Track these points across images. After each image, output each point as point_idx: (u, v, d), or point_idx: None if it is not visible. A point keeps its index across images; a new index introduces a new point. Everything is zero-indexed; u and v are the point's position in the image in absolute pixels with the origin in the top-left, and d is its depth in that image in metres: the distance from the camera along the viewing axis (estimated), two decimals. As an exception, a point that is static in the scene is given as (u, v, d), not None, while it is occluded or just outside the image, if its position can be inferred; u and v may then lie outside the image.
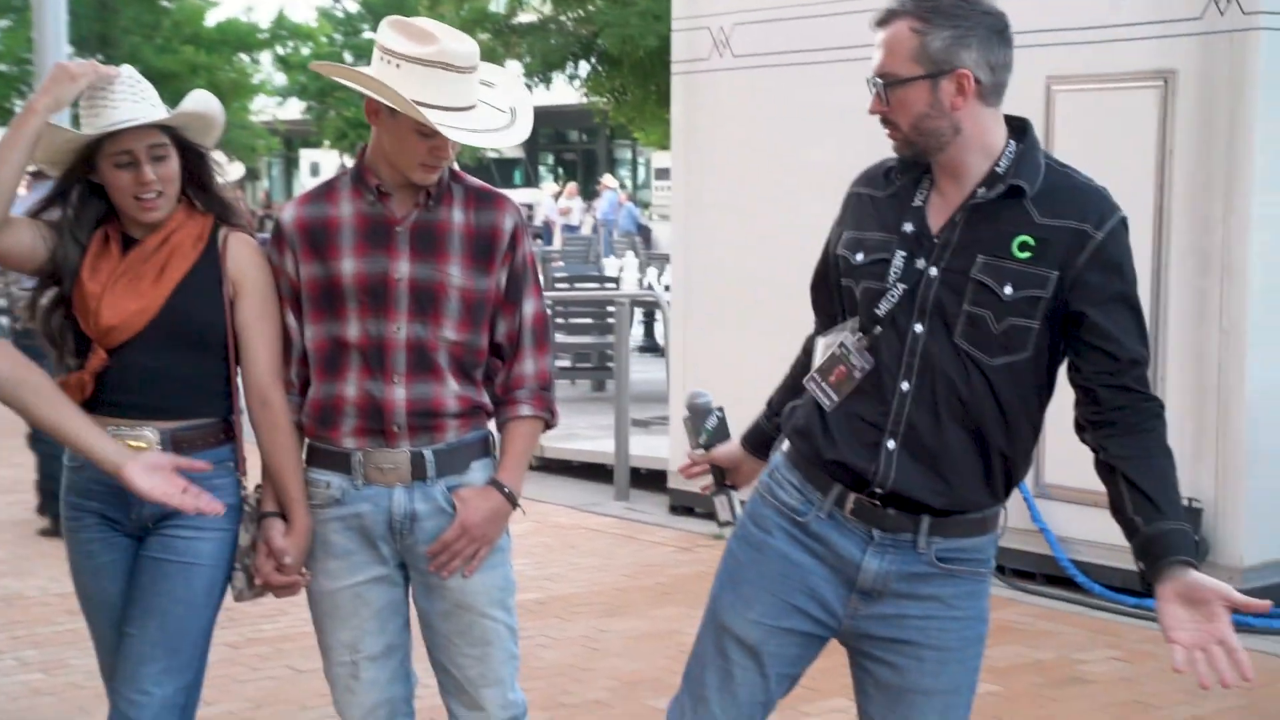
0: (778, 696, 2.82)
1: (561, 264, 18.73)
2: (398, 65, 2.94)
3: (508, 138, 3.07)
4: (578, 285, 16.11)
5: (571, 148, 41.61)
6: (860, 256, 2.72)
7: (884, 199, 2.73)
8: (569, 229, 26.74)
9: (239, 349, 3.12)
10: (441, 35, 2.96)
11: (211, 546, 3.10)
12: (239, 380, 3.15)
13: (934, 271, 2.63)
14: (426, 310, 3.07)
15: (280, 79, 33.06)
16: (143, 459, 2.95)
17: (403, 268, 3.06)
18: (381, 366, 3.06)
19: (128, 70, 3.12)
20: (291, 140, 38.96)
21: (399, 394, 3.06)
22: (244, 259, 3.13)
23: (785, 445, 2.84)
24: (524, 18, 16.70)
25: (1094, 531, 6.75)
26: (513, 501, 3.14)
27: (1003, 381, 2.61)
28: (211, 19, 23.21)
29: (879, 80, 2.62)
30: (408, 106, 2.91)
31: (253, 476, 3.21)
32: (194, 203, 3.17)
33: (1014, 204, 2.61)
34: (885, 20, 2.62)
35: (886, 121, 2.65)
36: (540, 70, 15.78)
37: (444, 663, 3.14)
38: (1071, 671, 5.64)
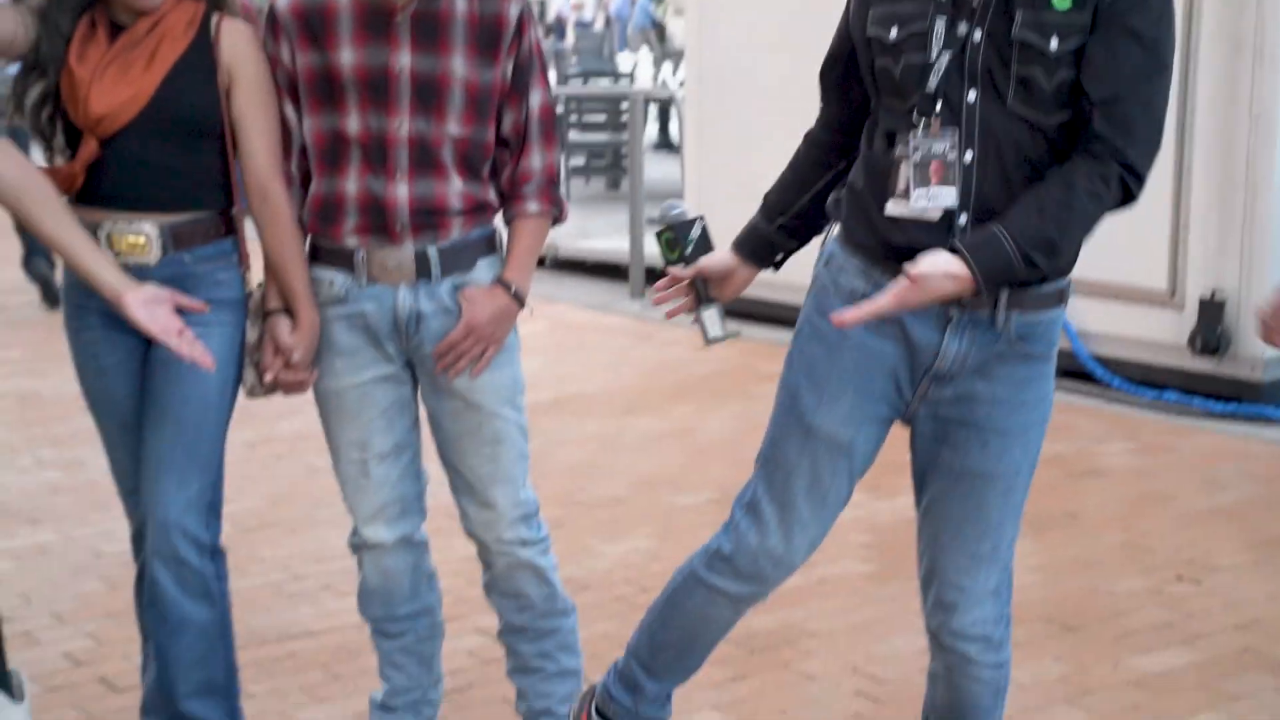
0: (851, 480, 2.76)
1: (575, 60, 18.37)
2: None
3: None
4: (591, 82, 15.84)
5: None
6: (895, 31, 2.57)
7: None
8: (581, 24, 26.24)
9: (236, 141, 3.01)
10: None
11: (219, 345, 3.03)
12: (238, 172, 3.05)
13: (978, 35, 2.51)
14: (429, 104, 2.94)
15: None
16: (143, 291, 2.88)
17: (403, 59, 2.93)
18: (383, 163, 2.95)
19: None
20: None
21: (401, 192, 2.96)
22: (238, 47, 2.99)
23: (838, 234, 2.73)
24: None
25: (1113, 325, 6.70)
26: (520, 300, 3.05)
27: (1063, 136, 2.50)
28: None
29: None
30: None
31: (256, 275, 3.14)
32: None
33: None
34: None
35: None
36: None
37: (454, 462, 3.09)
38: (1089, 464, 5.63)
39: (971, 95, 2.51)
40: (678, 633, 2.81)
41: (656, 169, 11.41)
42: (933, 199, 2.54)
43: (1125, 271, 6.48)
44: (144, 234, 2.97)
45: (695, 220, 2.88)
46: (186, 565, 3.00)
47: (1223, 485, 5.38)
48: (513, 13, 2.96)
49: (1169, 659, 3.89)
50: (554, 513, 4.89)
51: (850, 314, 2.49)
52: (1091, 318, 6.71)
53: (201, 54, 2.97)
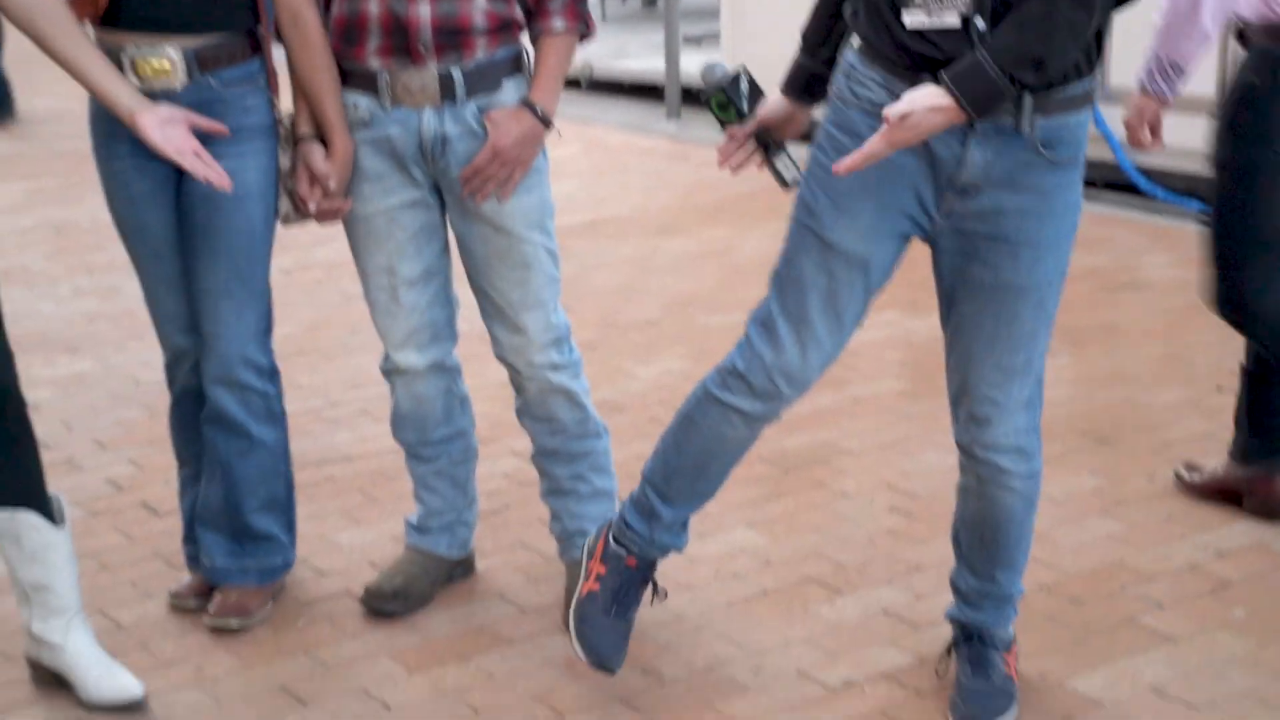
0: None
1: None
2: None
3: None
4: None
5: None
6: None
7: None
8: None
9: None
10: None
11: (256, 175, 3.00)
12: None
13: None
14: None
15: None
16: (159, 111, 2.85)
17: None
18: None
19: None
20: None
21: (424, 11, 2.88)
22: None
23: (857, 44, 2.65)
24: None
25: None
26: (546, 122, 2.99)
27: None
28: None
29: None
30: None
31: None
32: None
33: None
34: None
35: None
36: None
37: (484, 287, 3.07)
38: (1129, 276, 5.56)
39: None
40: (692, 455, 2.79)
41: (692, -14, 11.17)
42: (939, 9, 2.48)
43: (1169, 80, 6.31)
44: (168, 58, 2.92)
45: (739, 75, 2.82)
46: (251, 390, 3.10)
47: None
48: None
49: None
50: (588, 336, 4.90)
51: (846, 163, 2.47)
52: (1134, 128, 6.57)
53: None
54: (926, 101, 2.41)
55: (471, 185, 2.96)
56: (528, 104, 2.97)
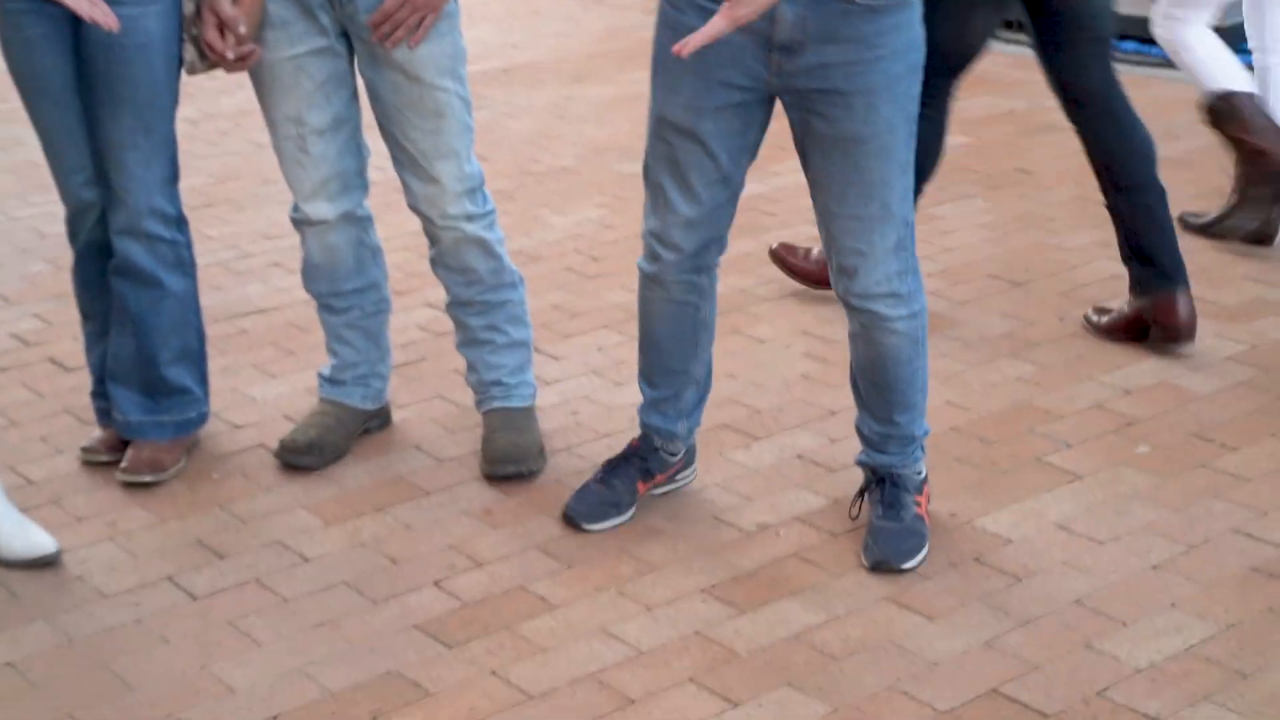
0: (739, 170, 2.76)
1: None
2: None
3: None
4: None
5: None
6: None
7: None
8: None
9: None
10: None
11: (158, 22, 2.92)
12: None
13: None
14: None
15: None
16: None
17: None
18: None
19: None
20: None
21: None
22: None
23: None
24: None
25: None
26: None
27: None
28: None
29: None
30: None
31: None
32: None
33: None
34: None
35: None
36: None
37: (396, 136, 3.01)
38: (1044, 119, 5.55)
39: None
40: (643, 328, 2.97)
41: None
42: None
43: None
44: None
45: None
46: (160, 240, 3.06)
47: (1177, 135, 5.33)
48: None
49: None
50: (504, 185, 4.85)
51: (689, 44, 2.46)
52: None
53: None
54: None
55: (381, 31, 2.89)
56: None
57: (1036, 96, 5.75)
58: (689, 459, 3.09)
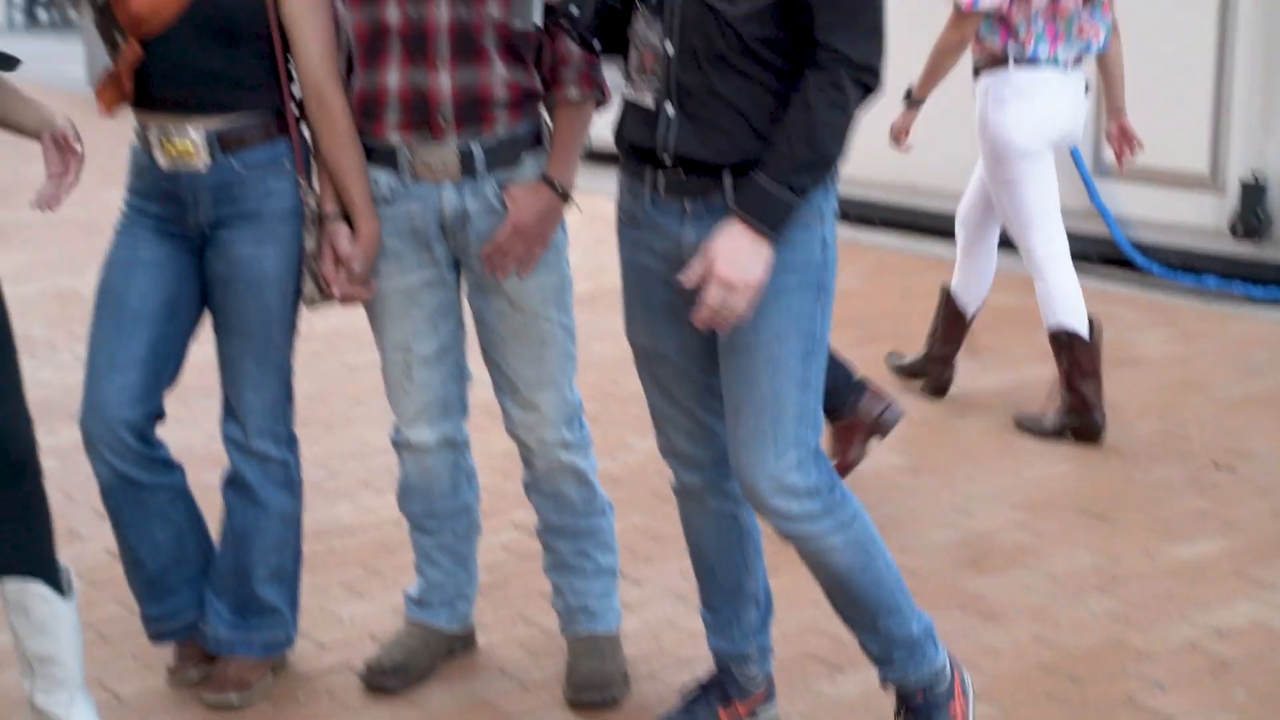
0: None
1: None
2: None
3: None
4: None
5: None
6: None
7: None
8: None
9: (289, 43, 2.98)
10: None
11: (275, 261, 3.03)
12: (291, 71, 3.01)
13: None
14: None
15: None
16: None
17: None
18: (424, 52, 2.91)
19: None
20: None
21: (444, 82, 2.92)
22: None
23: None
24: None
25: (1152, 210, 6.62)
26: (565, 197, 3.03)
27: (751, 30, 2.55)
28: None
29: None
30: None
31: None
32: None
33: None
34: None
35: None
36: None
37: (499, 362, 3.09)
38: (1126, 352, 5.60)
39: None
40: (691, 550, 3.00)
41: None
42: (643, 86, 2.65)
43: (1164, 155, 6.40)
44: (191, 139, 2.96)
45: None
46: (269, 459, 3.15)
47: (1261, 371, 5.36)
48: None
49: (1204, 547, 3.90)
50: (589, 408, 4.85)
51: (689, 279, 2.58)
52: (1129, 203, 6.64)
53: None
54: (729, 241, 2.54)
55: (492, 262, 2.99)
56: (547, 179, 3.00)
57: (1117, 329, 5.82)
58: (770, 691, 3.07)
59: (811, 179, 2.55)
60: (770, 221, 2.54)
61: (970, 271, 5.09)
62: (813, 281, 2.67)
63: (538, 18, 2.67)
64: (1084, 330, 4.73)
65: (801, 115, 2.52)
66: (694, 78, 2.59)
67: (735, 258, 2.53)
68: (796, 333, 2.66)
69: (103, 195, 8.01)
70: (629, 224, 2.79)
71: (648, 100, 2.65)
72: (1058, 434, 4.74)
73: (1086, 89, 4.72)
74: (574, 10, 2.68)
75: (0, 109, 2.92)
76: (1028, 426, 4.81)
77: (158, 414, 3.12)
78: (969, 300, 5.11)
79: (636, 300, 2.82)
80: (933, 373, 5.18)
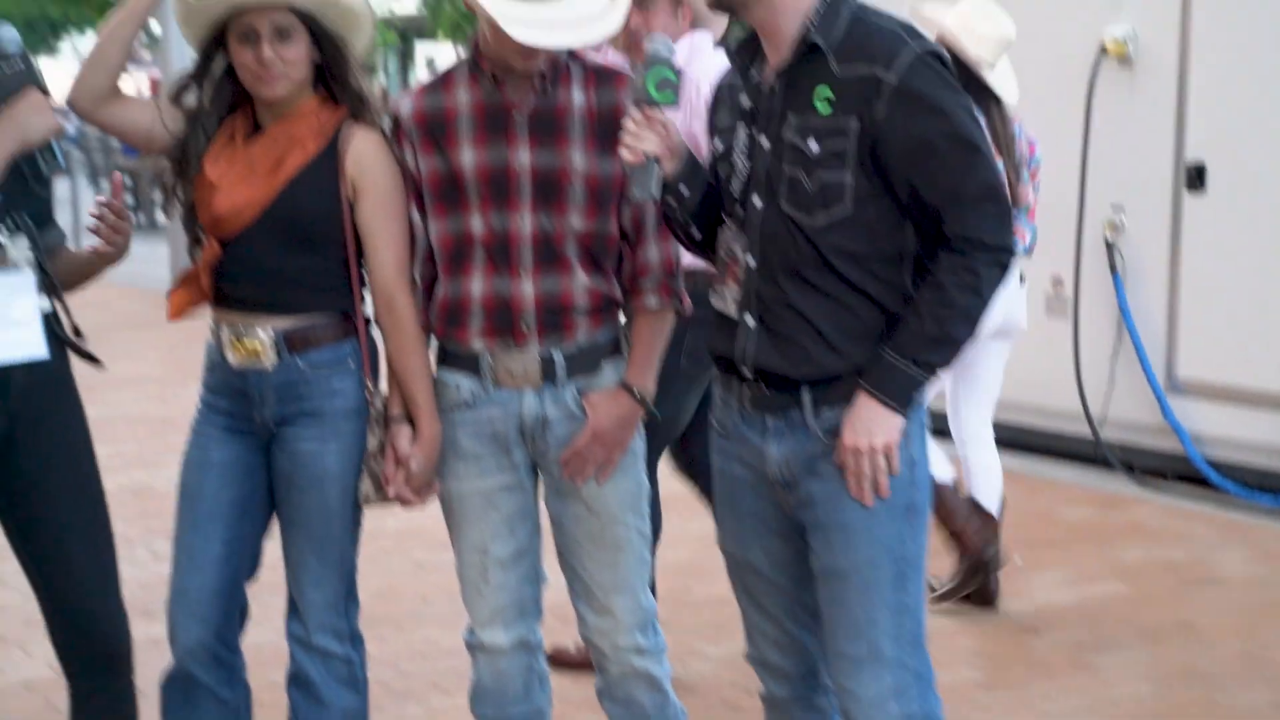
0: (812, 595, 2.81)
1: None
2: None
3: (589, 34, 2.89)
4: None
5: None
6: (719, 143, 2.77)
7: (733, 82, 2.78)
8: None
9: (362, 249, 3.07)
10: None
11: (336, 458, 3.09)
12: (363, 275, 3.11)
13: (765, 142, 2.66)
14: (551, 199, 2.98)
15: (395, -29, 32.98)
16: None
17: (523, 157, 2.97)
18: (507, 261, 2.99)
19: None
20: (407, 34, 38.88)
21: (527, 290, 2.99)
22: (366, 156, 3.04)
23: None
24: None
25: (1229, 427, 6.58)
26: (643, 403, 3.07)
27: (830, 242, 2.60)
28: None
29: None
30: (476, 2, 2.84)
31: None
32: (332, 96, 3.10)
33: (817, 60, 2.61)
34: None
35: None
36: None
37: (574, 566, 3.11)
38: (1204, 573, 5.52)
39: (758, 201, 2.65)
40: None
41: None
42: (728, 296, 2.72)
43: (1240, 373, 6.40)
44: (259, 339, 3.04)
45: (676, 66, 2.75)
46: (332, 656, 3.16)
47: (1344, 596, 5.25)
48: (629, 102, 3.00)
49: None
50: (661, 613, 4.86)
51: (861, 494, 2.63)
52: (1205, 421, 6.61)
53: (327, 163, 3.04)
54: (859, 415, 2.59)
55: (571, 468, 3.03)
56: (626, 386, 3.05)
57: (1197, 548, 5.74)
58: None
59: (939, 358, 2.58)
60: (896, 396, 2.57)
61: (976, 469, 5.13)
62: (901, 503, 2.66)
63: (656, 190, 2.74)
64: (995, 509, 4.99)
65: (933, 294, 2.56)
66: (772, 290, 2.64)
67: (862, 426, 2.58)
68: (887, 558, 2.65)
69: (181, 392, 8.18)
70: (721, 433, 2.82)
71: (731, 310, 2.71)
72: (962, 597, 4.97)
73: (1021, 279, 4.90)
74: (684, 190, 2.76)
75: (71, 274, 3.04)
76: (935, 591, 4.95)
77: (241, 611, 3.16)
78: (988, 498, 5.08)
79: (727, 509, 2.84)
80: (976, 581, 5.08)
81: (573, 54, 3.02)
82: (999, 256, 2.57)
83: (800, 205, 2.60)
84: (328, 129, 3.06)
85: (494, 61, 2.96)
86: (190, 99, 3.09)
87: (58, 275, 3.03)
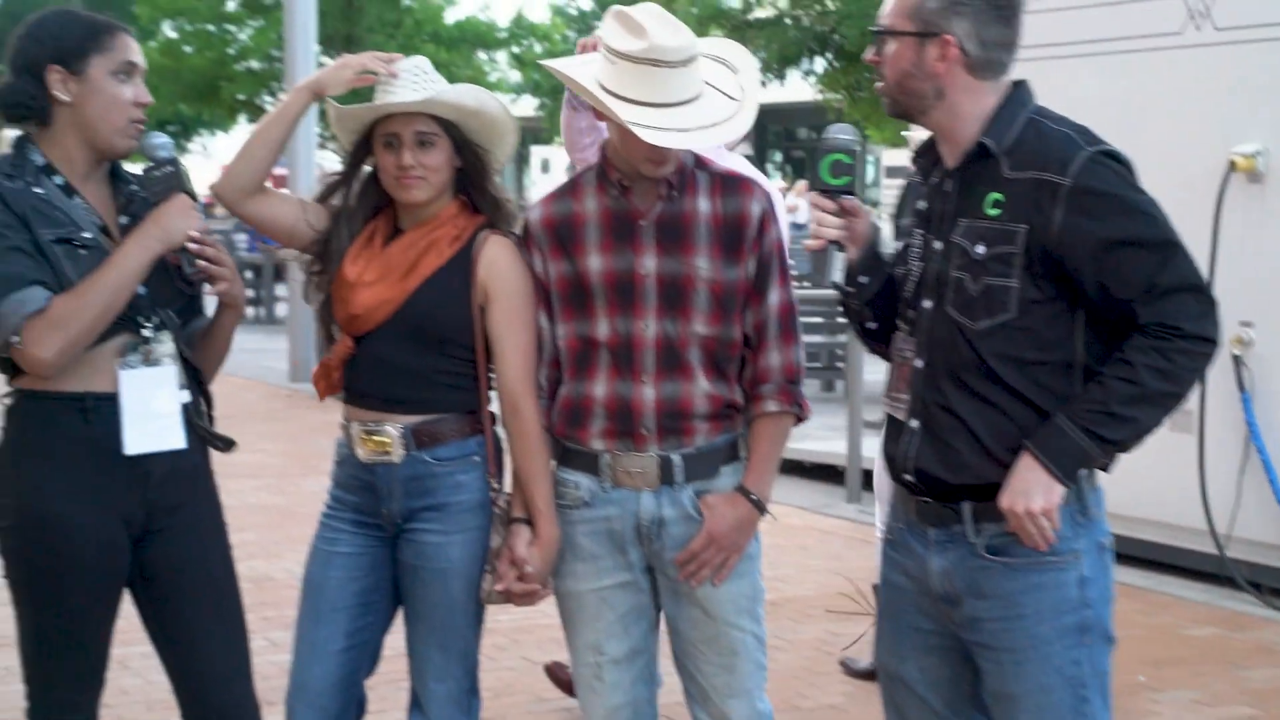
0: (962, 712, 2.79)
1: (791, 262, 18.57)
2: (613, 62, 2.92)
3: (720, 134, 2.97)
4: (805, 283, 15.98)
5: (800, 145, 41.38)
6: (898, 243, 2.79)
7: (914, 183, 2.81)
8: (796, 227, 26.57)
9: (490, 353, 3.14)
10: (653, 28, 2.89)
11: (461, 550, 3.14)
12: (490, 376, 3.17)
13: (938, 244, 2.67)
14: (675, 305, 3.03)
15: (514, 77, 33.66)
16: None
17: (649, 263, 3.03)
18: (630, 366, 3.04)
19: (416, 60, 3.15)
20: (523, 137, 39.57)
21: (648, 394, 3.04)
22: (498, 263, 3.11)
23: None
24: (760, 13, 16.67)
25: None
26: (760, 508, 3.09)
27: (993, 346, 2.58)
28: (450, 17, 23.68)
29: (875, 30, 2.69)
30: (606, 106, 2.91)
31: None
32: (471, 203, 3.19)
33: (989, 164, 2.62)
34: None
35: (878, 73, 2.69)
36: (775, 65, 15.74)
37: (690, 669, 3.12)
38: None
39: (927, 303, 2.65)
40: None
41: (872, 371, 11.42)
42: (895, 401, 2.71)
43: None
44: (388, 434, 3.10)
45: (862, 147, 2.82)
46: None
47: None
48: (755, 210, 3.04)
49: None
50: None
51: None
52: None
53: (460, 269, 3.11)
54: (1019, 476, 2.52)
55: (687, 570, 3.05)
56: (743, 490, 3.07)
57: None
58: None
59: (1114, 436, 2.50)
60: (1059, 463, 2.50)
61: None
62: (1072, 625, 2.60)
63: (839, 277, 2.78)
64: None
65: (1119, 369, 2.50)
66: (934, 393, 2.64)
67: (1020, 487, 2.52)
68: (1061, 683, 2.58)
69: (301, 483, 8.34)
70: (889, 542, 2.81)
71: (900, 414, 2.71)
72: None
73: None
74: (864, 280, 2.79)
75: (214, 344, 3.17)
76: (849, 667, 5.14)
77: (358, 704, 3.20)
78: None
79: (889, 620, 2.81)
80: None
81: (699, 161, 3.08)
82: (1199, 346, 2.49)
83: (964, 308, 2.60)
84: (464, 235, 3.14)
85: (622, 169, 3.03)
86: (336, 199, 3.20)
87: (205, 361, 3.14)
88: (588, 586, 3.12)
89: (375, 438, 3.12)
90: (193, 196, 3.07)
